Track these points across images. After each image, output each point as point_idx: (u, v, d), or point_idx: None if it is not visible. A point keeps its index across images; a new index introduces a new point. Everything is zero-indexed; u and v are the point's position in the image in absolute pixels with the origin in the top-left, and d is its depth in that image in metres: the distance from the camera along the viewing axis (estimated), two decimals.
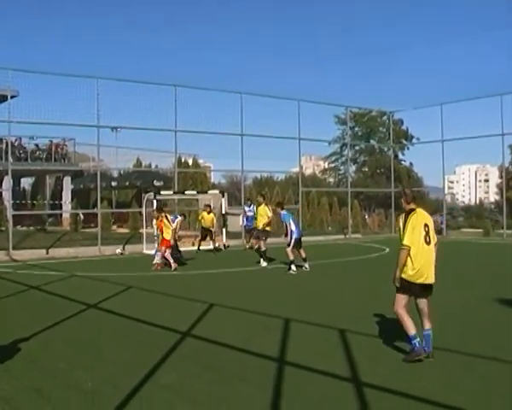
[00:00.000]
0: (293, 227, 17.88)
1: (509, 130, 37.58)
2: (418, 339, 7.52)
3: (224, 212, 27.75)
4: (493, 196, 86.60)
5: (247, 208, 27.71)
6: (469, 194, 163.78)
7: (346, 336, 8.92)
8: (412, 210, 7.87)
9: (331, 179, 68.17)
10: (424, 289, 7.73)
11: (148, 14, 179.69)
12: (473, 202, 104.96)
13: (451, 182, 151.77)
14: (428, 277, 7.67)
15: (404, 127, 61.22)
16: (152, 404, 5.93)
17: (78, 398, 6.14)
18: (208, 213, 25.33)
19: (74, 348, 8.44)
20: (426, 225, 7.76)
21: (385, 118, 56.73)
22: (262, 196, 21.86)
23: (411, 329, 7.56)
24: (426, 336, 7.64)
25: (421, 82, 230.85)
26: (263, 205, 20.36)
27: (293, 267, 17.67)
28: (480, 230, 39.50)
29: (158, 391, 6.33)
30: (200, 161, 47.23)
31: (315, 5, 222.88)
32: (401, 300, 7.71)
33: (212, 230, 25.20)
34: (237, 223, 31.07)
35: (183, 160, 41.31)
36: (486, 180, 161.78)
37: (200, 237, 25.79)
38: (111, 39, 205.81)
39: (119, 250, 25.55)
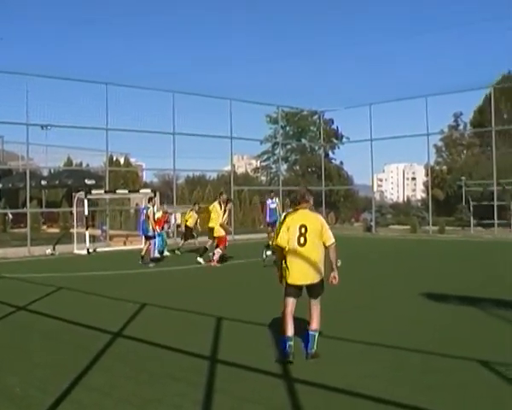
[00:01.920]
0: None
1: (433, 130, 38.73)
2: (291, 343, 7.49)
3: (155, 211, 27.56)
4: (420, 194, 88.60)
5: (269, 201, 26.98)
6: (397, 192, 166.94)
7: (278, 334, 8.99)
8: (295, 210, 7.93)
9: (263, 178, 68.41)
10: (307, 290, 7.76)
11: (79, 8, 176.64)
12: (401, 200, 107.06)
13: (380, 180, 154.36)
14: (306, 277, 7.65)
15: (334, 126, 62.03)
16: (82, 407, 5.89)
17: (6, 404, 6.03)
18: (196, 212, 25.34)
19: (2, 352, 8.28)
20: (302, 226, 7.67)
21: (316, 117, 57.36)
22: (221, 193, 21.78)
23: (288, 331, 7.57)
24: (310, 336, 7.65)
25: (351, 82, 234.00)
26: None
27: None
28: (408, 226, 40.47)
29: (88, 393, 6.27)
30: (132, 160, 46.67)
31: (242, 5, 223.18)
32: (287, 300, 7.77)
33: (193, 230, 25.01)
34: (170, 223, 30.96)
35: (114, 158, 40.86)
36: (414, 178, 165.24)
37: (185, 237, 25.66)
38: (41, 35, 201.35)
39: (49, 251, 25.13)
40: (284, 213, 8.33)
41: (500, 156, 44.40)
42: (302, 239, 7.63)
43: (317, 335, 7.67)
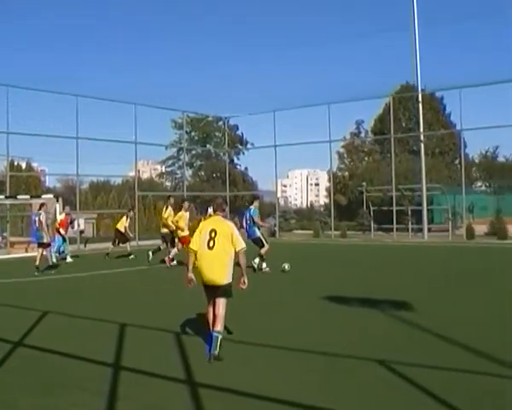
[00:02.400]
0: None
1: (336, 137, 39.69)
2: (211, 346, 7.72)
3: (58, 217, 27.05)
4: (323, 199, 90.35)
5: (210, 210, 26.49)
6: (301, 197, 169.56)
7: (182, 338, 9.07)
8: (209, 217, 8.60)
9: (168, 183, 68.15)
10: (213, 291, 8.11)
11: None
12: (304, 205, 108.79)
13: (284, 186, 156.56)
14: (214, 278, 8.01)
15: (239, 132, 62.56)
16: None
17: None
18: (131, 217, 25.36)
19: None
20: (212, 231, 8.10)
21: (221, 123, 57.65)
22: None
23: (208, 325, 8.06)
24: (213, 338, 7.77)
25: (256, 88, 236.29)
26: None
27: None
28: (311, 231, 41.20)
29: None
30: (35, 165, 45.61)
31: (149, 8, 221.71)
32: (207, 300, 8.27)
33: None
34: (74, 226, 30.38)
35: (15, 163, 39.76)
36: (317, 184, 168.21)
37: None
38: None
39: None
40: (199, 220, 8.68)
41: (399, 163, 46.07)
42: (211, 243, 8.03)
43: (220, 336, 7.79)
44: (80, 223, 31.88)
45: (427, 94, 47.41)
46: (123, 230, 25.16)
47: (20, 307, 12.44)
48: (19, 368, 7.60)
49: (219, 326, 7.90)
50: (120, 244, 25.35)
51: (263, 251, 18.59)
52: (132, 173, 42.04)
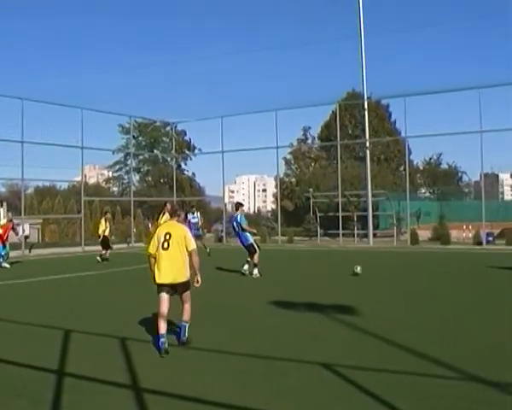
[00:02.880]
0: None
1: (283, 143, 39.97)
2: (163, 340, 8.37)
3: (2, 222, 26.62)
4: (270, 205, 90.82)
5: (190, 216, 26.74)
6: (249, 203, 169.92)
7: (128, 344, 9.03)
8: (165, 222, 9.50)
9: (115, 188, 67.65)
10: (173, 289, 8.85)
11: None
12: (252, 211, 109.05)
13: (232, 191, 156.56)
14: (170, 276, 8.76)
15: (186, 138, 62.45)
16: None
17: None
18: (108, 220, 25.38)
19: None
20: (167, 234, 8.90)
21: (168, 128, 57.46)
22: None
23: (161, 329, 8.51)
24: (181, 327, 8.90)
25: (204, 94, 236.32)
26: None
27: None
28: (258, 237, 41.32)
29: None
30: None
31: (94, 9, 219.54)
32: (159, 299, 8.81)
33: None
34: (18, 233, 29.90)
35: None
36: (264, 190, 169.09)
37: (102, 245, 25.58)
38: None
39: None
40: (157, 224, 9.37)
41: (345, 169, 46.65)
42: (166, 244, 8.84)
43: (187, 325, 8.90)
44: (25, 228, 31.32)
45: (372, 101, 48.16)
46: (101, 233, 25.34)
47: None
48: None
49: (187, 317, 8.94)
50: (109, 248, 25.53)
51: (255, 258, 18.58)
52: (79, 178, 41.60)
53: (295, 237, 40.06)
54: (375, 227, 39.91)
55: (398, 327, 10.20)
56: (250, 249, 18.55)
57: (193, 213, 27.67)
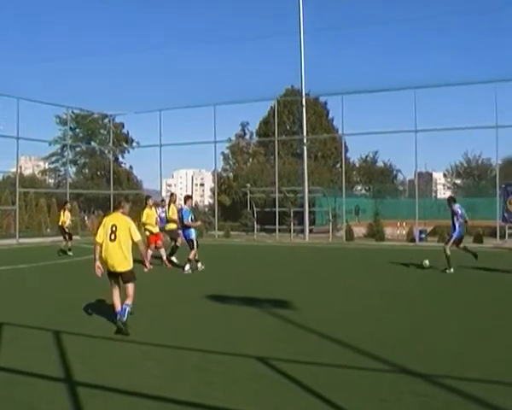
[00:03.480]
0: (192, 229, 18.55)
1: (221, 138, 40.10)
2: (119, 315, 9.39)
3: None
4: (208, 200, 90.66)
5: (160, 210, 26.06)
6: None
7: (61, 337, 9.02)
8: (107, 214, 10.30)
9: (51, 180, 66.58)
10: (117, 275, 9.70)
11: None
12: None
13: (169, 185, 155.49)
14: (116, 266, 9.61)
15: (124, 131, 61.98)
16: None
17: None
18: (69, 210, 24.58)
19: None
20: (113, 226, 9.62)
21: (106, 120, 56.94)
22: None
23: (117, 306, 9.57)
24: (124, 308, 9.46)
25: (142, 86, 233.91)
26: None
27: (186, 267, 18.11)
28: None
29: None
30: None
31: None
32: (111, 285, 9.79)
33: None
34: None
35: None
36: (202, 184, 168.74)
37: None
38: None
39: None
40: (102, 217, 9.74)
41: (283, 165, 47.08)
42: (113, 236, 9.57)
43: (128, 308, 9.49)
44: None
45: (311, 98, 48.76)
46: (61, 223, 24.80)
47: None
48: None
49: (129, 301, 9.59)
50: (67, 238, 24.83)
51: (191, 254, 18.33)
52: (14, 169, 40.88)
53: (232, 232, 40.24)
54: (312, 223, 40.38)
55: (330, 320, 10.52)
56: (189, 244, 18.54)
57: (163, 207, 27.54)
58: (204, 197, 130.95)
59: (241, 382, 6.86)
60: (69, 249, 24.24)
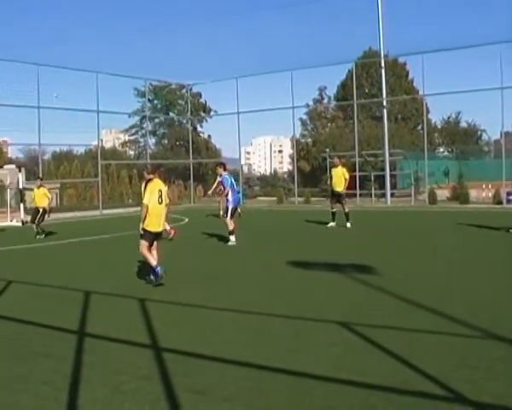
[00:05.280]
0: (229, 196, 17.11)
1: (298, 103, 39.66)
2: (160, 268, 10.45)
3: (21, 187, 26.77)
4: (286, 166, 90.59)
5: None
6: (265, 164, 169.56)
7: (145, 304, 9.09)
8: (150, 179, 10.79)
9: (131, 152, 67.67)
10: (158, 235, 10.89)
11: None
12: (268, 172, 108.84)
13: (248, 153, 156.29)
14: (161, 226, 10.92)
15: (202, 100, 62.22)
16: None
17: None
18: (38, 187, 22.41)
19: None
20: (159, 190, 10.72)
21: (184, 91, 57.30)
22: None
23: (153, 262, 10.53)
24: (160, 267, 10.47)
25: (218, 55, 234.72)
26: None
27: (232, 238, 16.89)
28: (275, 198, 41.35)
29: None
30: None
31: None
32: (144, 244, 10.66)
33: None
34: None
35: None
36: (280, 151, 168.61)
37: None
38: None
39: None
40: (145, 182, 10.94)
41: (362, 129, 46.35)
42: (160, 199, 10.71)
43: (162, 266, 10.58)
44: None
45: (390, 60, 47.61)
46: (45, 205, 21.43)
47: None
48: None
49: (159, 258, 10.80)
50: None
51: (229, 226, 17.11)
52: (95, 142, 41.72)
53: (312, 198, 39.98)
54: (393, 187, 39.71)
55: (414, 285, 10.20)
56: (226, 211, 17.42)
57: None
58: (283, 164, 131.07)
59: (326, 347, 6.70)
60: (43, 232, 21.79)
